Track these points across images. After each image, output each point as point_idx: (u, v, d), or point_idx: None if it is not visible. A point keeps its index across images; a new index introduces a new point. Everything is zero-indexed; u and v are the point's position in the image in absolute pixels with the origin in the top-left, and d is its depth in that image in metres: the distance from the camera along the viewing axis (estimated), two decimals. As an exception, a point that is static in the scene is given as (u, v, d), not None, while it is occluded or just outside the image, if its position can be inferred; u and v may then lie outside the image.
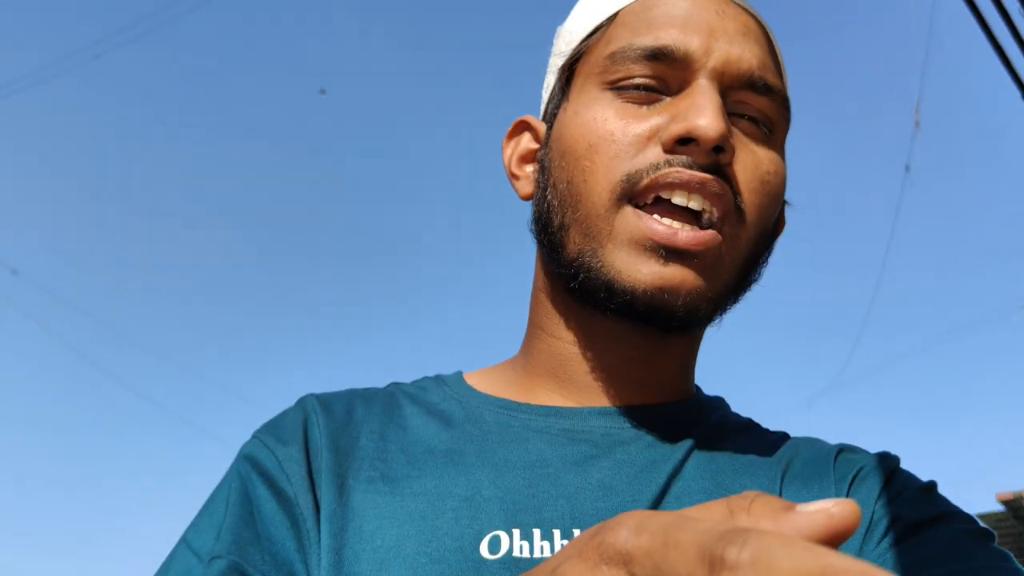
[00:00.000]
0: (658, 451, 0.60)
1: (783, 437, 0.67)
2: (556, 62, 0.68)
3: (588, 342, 0.64)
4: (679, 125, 0.57)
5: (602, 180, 0.58)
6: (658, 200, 0.58)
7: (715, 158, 0.57)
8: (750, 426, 0.69)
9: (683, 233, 0.57)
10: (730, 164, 0.59)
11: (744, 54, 0.60)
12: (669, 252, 0.57)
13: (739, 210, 0.59)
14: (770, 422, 0.70)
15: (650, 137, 0.59)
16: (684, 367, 0.67)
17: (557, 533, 0.55)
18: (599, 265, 0.58)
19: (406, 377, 0.72)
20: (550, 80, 0.69)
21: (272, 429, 0.63)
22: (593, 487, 0.57)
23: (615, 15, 0.63)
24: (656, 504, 0.56)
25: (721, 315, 0.63)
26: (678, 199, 0.57)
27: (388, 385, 0.69)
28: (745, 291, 0.64)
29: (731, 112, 0.60)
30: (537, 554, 0.53)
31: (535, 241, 0.68)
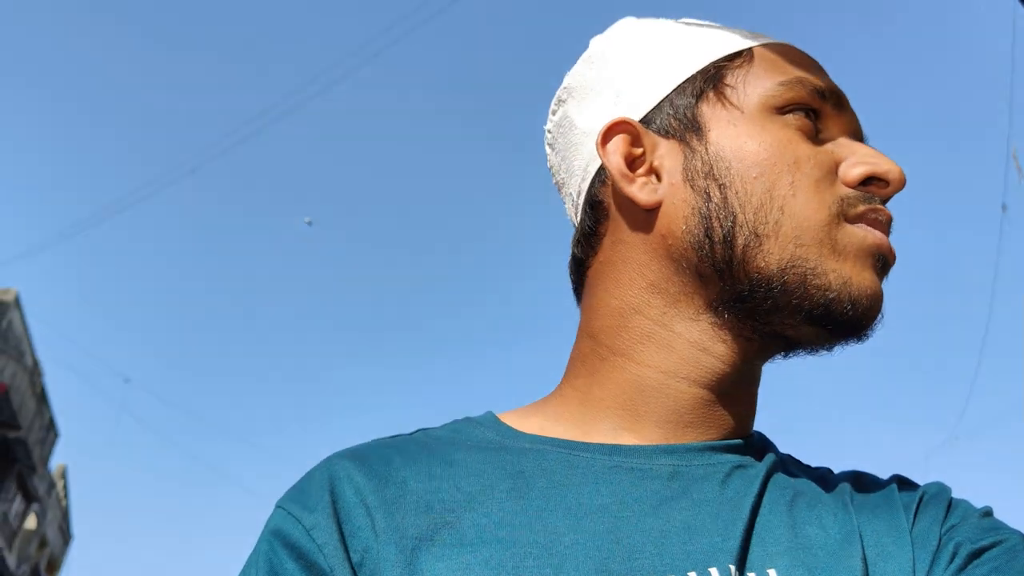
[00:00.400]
0: (733, 488, 0.59)
1: (829, 470, 0.68)
2: (656, 74, 0.67)
3: (692, 369, 0.62)
4: (872, 167, 0.62)
5: (814, 197, 0.60)
6: None
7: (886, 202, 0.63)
8: (796, 461, 0.69)
9: (894, 250, 0.62)
10: None
11: (860, 126, 0.67)
12: (885, 264, 0.61)
13: None
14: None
15: (834, 170, 0.62)
16: (756, 400, 0.66)
17: None
18: (821, 273, 0.58)
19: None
20: (653, 86, 0.67)
21: (297, 496, 0.58)
22: (678, 529, 0.55)
23: (750, 50, 0.66)
24: (745, 541, 0.55)
25: None
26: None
27: (415, 432, 0.66)
28: None
29: None
30: None
31: (651, 254, 0.64)
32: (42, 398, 22.82)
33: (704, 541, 0.54)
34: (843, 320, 0.58)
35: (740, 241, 0.59)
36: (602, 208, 0.67)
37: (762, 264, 0.59)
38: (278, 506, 0.59)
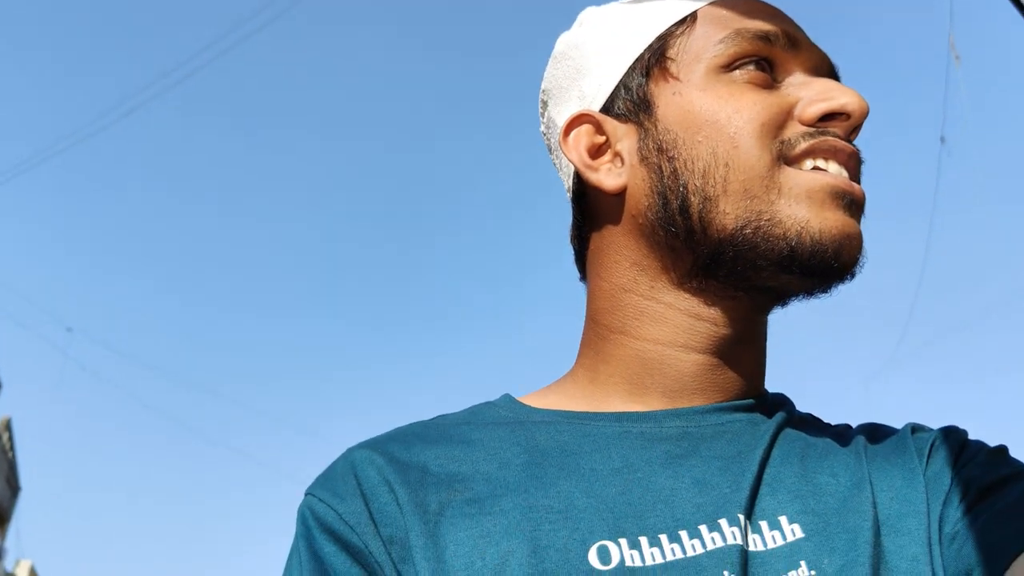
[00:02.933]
0: (742, 442, 0.60)
1: (848, 426, 0.69)
2: (610, 59, 0.68)
3: (689, 337, 0.63)
4: (827, 103, 0.60)
5: (756, 143, 0.59)
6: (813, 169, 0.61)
7: (853, 135, 0.62)
8: (815, 419, 0.70)
9: (856, 185, 0.60)
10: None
11: (827, 58, 0.66)
12: (851, 202, 0.59)
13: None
14: (827, 404, 0.72)
15: (788, 112, 0.61)
16: (763, 358, 0.67)
17: (664, 538, 0.54)
18: (777, 222, 0.58)
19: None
20: (609, 73, 0.68)
21: (325, 484, 0.61)
22: (688, 485, 0.57)
23: (693, 14, 0.66)
24: (754, 491, 0.56)
25: None
26: (833, 168, 0.60)
27: (435, 417, 0.68)
28: None
29: None
30: (649, 561, 0.53)
31: (628, 235, 0.66)
32: (-19, 349, 22.19)
33: (714, 494, 0.56)
34: (812, 265, 0.58)
35: (695, 209, 0.60)
36: (584, 200, 0.70)
37: (719, 225, 0.59)
38: (308, 494, 0.61)
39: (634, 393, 0.64)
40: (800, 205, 0.58)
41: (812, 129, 0.60)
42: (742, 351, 0.64)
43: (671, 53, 0.65)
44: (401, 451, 0.61)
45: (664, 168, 0.62)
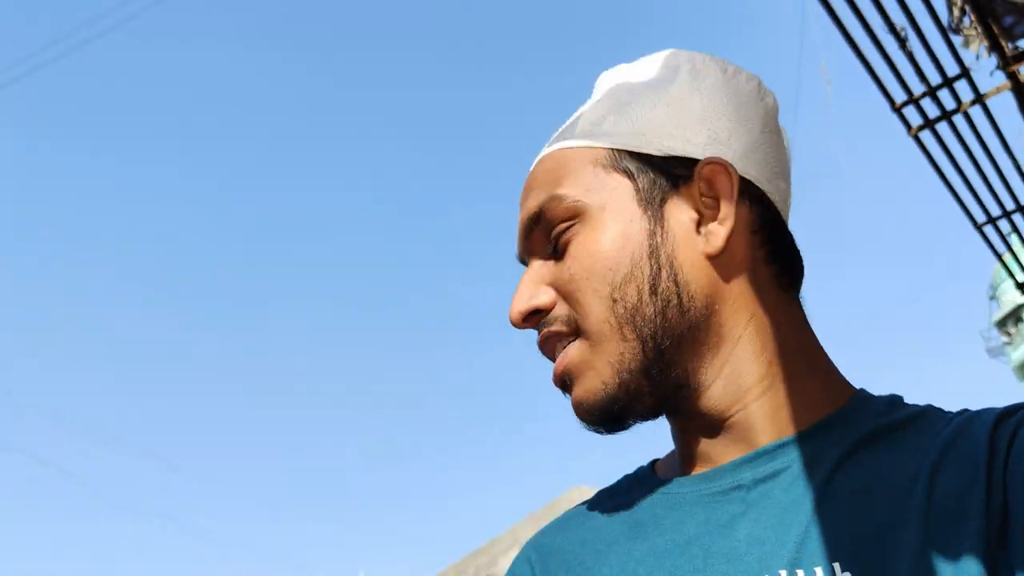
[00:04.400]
0: (799, 487, 0.60)
1: (953, 417, 0.61)
2: None
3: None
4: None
5: None
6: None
7: (540, 316, 0.68)
8: (920, 416, 0.63)
9: (558, 369, 0.68)
10: (552, 305, 0.68)
11: (522, 212, 0.71)
12: (562, 387, 0.68)
13: (580, 326, 0.66)
14: None
15: None
16: (778, 408, 0.64)
17: None
18: None
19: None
20: None
21: None
22: (743, 543, 0.59)
23: None
24: (800, 542, 0.56)
25: (657, 384, 0.64)
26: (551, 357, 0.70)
27: (599, 491, 0.76)
28: (661, 349, 0.64)
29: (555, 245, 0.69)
30: None
31: None
32: None
33: (764, 550, 0.58)
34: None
35: None
36: None
37: None
38: None
39: (698, 457, 0.67)
40: None
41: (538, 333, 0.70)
42: (736, 417, 0.65)
43: None
44: (551, 538, 0.73)
45: None
